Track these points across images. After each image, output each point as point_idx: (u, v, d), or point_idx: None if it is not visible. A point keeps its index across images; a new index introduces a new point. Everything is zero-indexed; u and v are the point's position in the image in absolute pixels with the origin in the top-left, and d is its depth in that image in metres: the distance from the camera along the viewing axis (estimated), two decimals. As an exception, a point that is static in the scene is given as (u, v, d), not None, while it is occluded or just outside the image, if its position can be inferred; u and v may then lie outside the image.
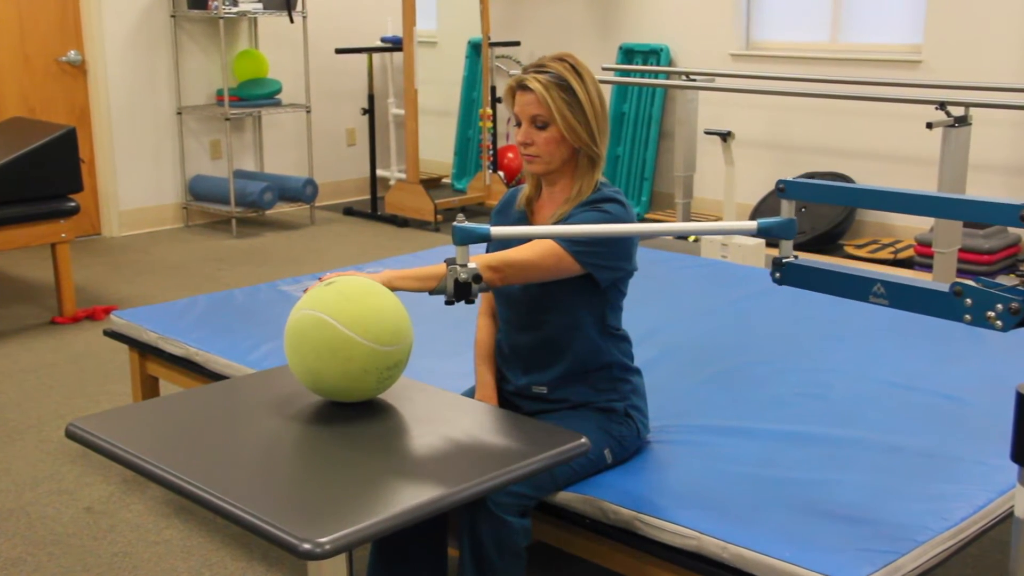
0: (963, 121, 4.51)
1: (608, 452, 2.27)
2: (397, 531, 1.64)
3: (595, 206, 2.24)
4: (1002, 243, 5.29)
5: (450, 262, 2.03)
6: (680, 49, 6.93)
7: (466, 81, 8.00)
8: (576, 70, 2.23)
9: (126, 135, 6.55)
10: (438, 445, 1.91)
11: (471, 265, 2.02)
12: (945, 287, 1.78)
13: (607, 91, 7.12)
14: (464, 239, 2.00)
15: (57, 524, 2.99)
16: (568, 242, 2.16)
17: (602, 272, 2.22)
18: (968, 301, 1.73)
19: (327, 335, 1.93)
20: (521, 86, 2.24)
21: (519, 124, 2.26)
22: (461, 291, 2.02)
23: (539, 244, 2.17)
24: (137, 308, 3.55)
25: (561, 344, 2.30)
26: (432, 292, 2.06)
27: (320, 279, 2.06)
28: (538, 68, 2.23)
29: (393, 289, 2.05)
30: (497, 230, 2.04)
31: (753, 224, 2.04)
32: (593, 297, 2.27)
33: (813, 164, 6.37)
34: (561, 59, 2.24)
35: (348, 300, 1.96)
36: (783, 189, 2.06)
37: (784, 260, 2.04)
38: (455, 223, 2.00)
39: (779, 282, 2.05)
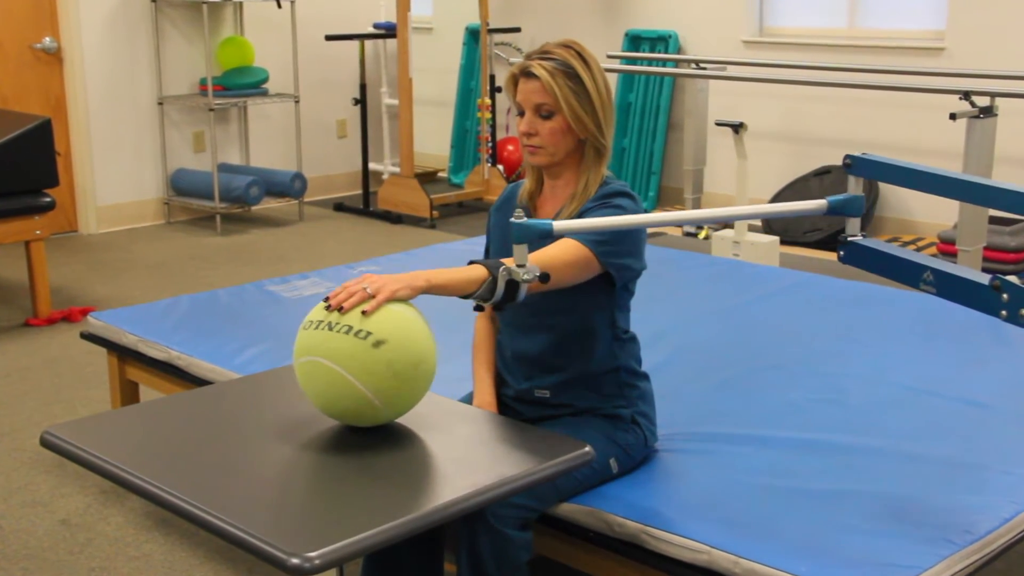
0: (988, 112, 4.51)
1: (614, 461, 2.27)
2: (391, 545, 1.64)
3: (606, 202, 2.24)
4: (1029, 241, 5.29)
5: (493, 264, 1.97)
6: (689, 36, 6.94)
7: (463, 69, 8.00)
8: (582, 57, 2.23)
9: (104, 126, 6.55)
10: (434, 454, 1.91)
11: (531, 265, 1.98)
12: (985, 280, 1.81)
13: (612, 80, 7.12)
14: (523, 236, 1.94)
15: (31, 537, 2.99)
16: (592, 241, 2.15)
17: (621, 271, 2.22)
18: (1005, 297, 1.75)
19: (365, 414, 1.90)
20: (525, 73, 2.24)
21: (521, 113, 2.26)
22: (510, 294, 1.98)
23: (566, 245, 2.14)
24: (116, 309, 3.55)
25: (569, 348, 2.30)
26: (470, 297, 1.98)
27: (361, 295, 1.87)
28: (543, 55, 2.24)
29: (423, 293, 1.95)
30: (560, 224, 1.98)
31: (823, 202, 2.08)
32: (604, 298, 2.28)
33: (830, 157, 6.37)
34: (566, 45, 2.25)
35: (398, 379, 1.87)
36: (850, 164, 2.11)
37: (850, 238, 2.08)
38: (513, 219, 1.94)
39: (843, 260, 2.13)
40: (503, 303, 1.99)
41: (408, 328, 1.89)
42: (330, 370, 1.85)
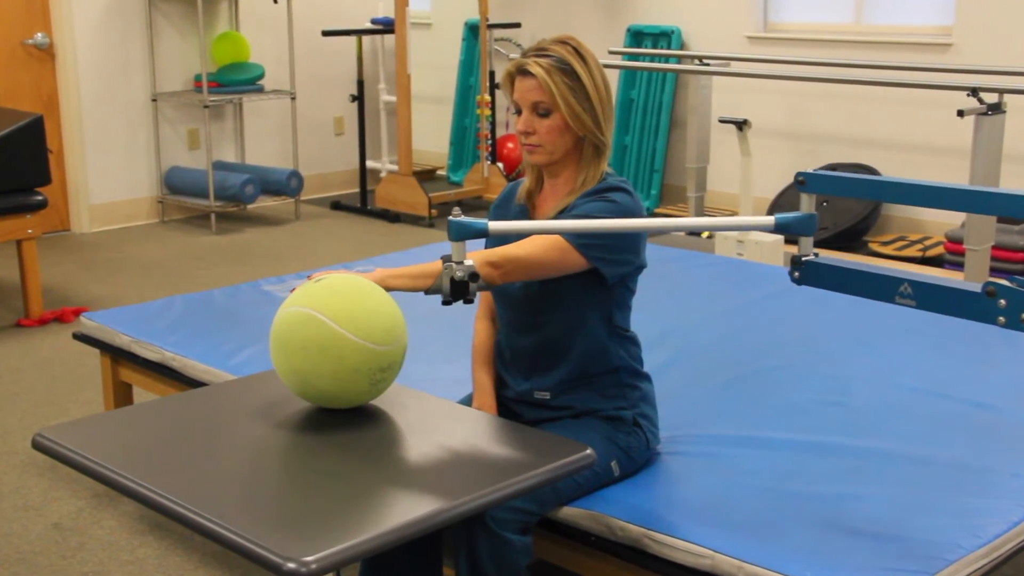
0: (997, 108, 4.51)
1: (615, 464, 2.27)
2: (388, 549, 1.64)
3: (600, 196, 2.25)
4: (1038, 240, 5.29)
5: (446, 259, 2.03)
6: (693, 31, 6.94)
7: (463, 66, 8.00)
8: (579, 53, 2.24)
9: (97, 124, 6.55)
10: (433, 456, 1.91)
11: (468, 262, 2.03)
12: (977, 287, 1.78)
13: (614, 76, 7.12)
14: (460, 234, 2.01)
15: (23, 541, 2.99)
16: (573, 234, 2.17)
17: (609, 266, 2.23)
18: (1002, 302, 1.73)
19: (316, 332, 1.94)
20: (521, 71, 2.25)
21: (519, 112, 2.27)
22: (458, 290, 2.03)
23: (542, 237, 2.18)
24: (109, 310, 3.55)
25: (566, 346, 2.31)
26: (428, 292, 2.06)
27: (309, 277, 2.07)
28: (539, 52, 2.25)
29: (386, 289, 2.06)
30: (495, 225, 2.05)
31: (770, 219, 2.05)
32: (599, 295, 2.28)
33: (835, 155, 6.37)
34: (563, 42, 2.26)
35: (339, 296, 1.98)
36: (803, 182, 2.07)
37: (804, 258, 2.05)
38: (450, 217, 2.01)
39: (798, 282, 2.06)
40: (456, 298, 2.04)
41: (350, 276, 2.04)
42: (281, 318, 1.99)
